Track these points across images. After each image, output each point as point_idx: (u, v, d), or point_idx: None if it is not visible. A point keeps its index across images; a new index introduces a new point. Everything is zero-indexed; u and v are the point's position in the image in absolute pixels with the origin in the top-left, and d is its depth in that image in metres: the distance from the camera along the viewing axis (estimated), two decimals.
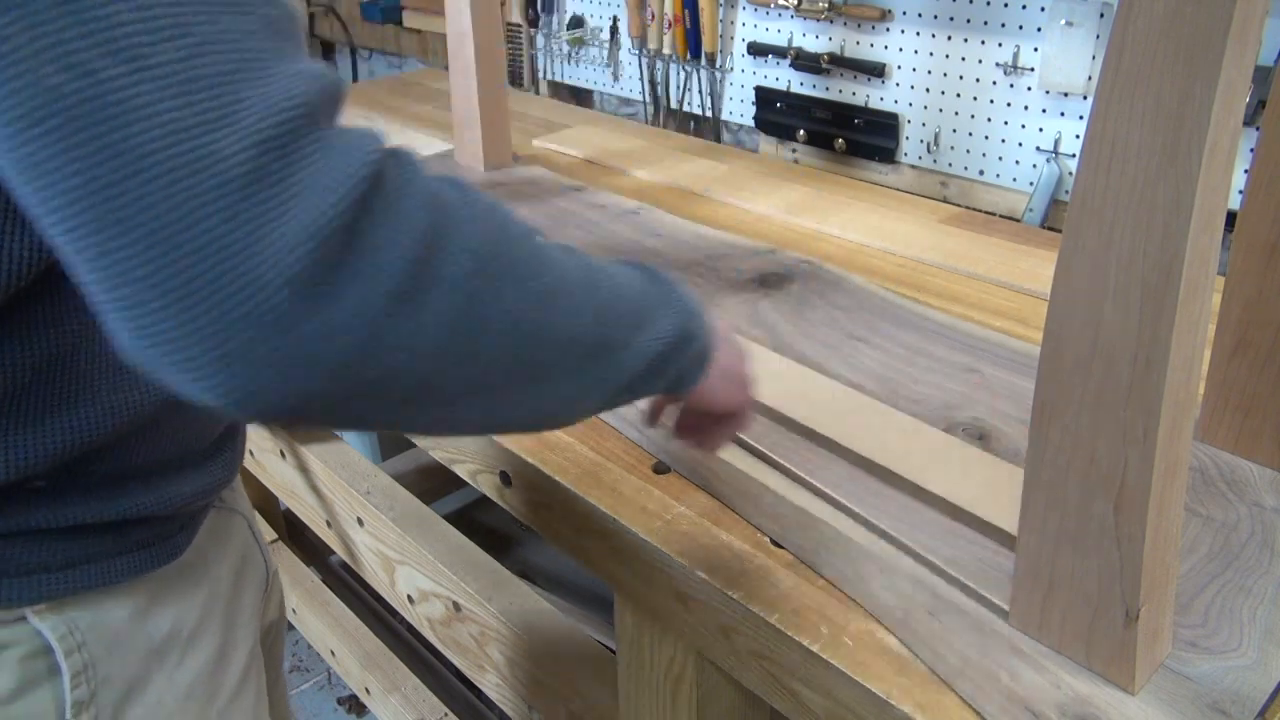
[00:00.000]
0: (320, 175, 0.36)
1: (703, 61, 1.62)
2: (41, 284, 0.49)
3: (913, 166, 1.43)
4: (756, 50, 1.55)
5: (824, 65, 1.46)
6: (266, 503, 1.66)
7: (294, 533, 1.74)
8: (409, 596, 1.21)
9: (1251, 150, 0.70)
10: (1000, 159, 1.33)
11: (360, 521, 1.25)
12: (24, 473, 0.52)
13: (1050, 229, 1.28)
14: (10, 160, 0.35)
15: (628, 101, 1.85)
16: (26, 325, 0.49)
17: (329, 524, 1.36)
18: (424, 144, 1.60)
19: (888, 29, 1.39)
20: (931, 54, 1.36)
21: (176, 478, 0.60)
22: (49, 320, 0.50)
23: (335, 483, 1.29)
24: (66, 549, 0.55)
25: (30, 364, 0.50)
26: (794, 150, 1.58)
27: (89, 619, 0.57)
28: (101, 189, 0.34)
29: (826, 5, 1.41)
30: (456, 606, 1.11)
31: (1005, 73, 1.28)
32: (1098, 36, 1.18)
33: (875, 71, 1.41)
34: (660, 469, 0.81)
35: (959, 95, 1.35)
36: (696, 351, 0.56)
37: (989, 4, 1.27)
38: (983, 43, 1.30)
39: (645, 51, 1.70)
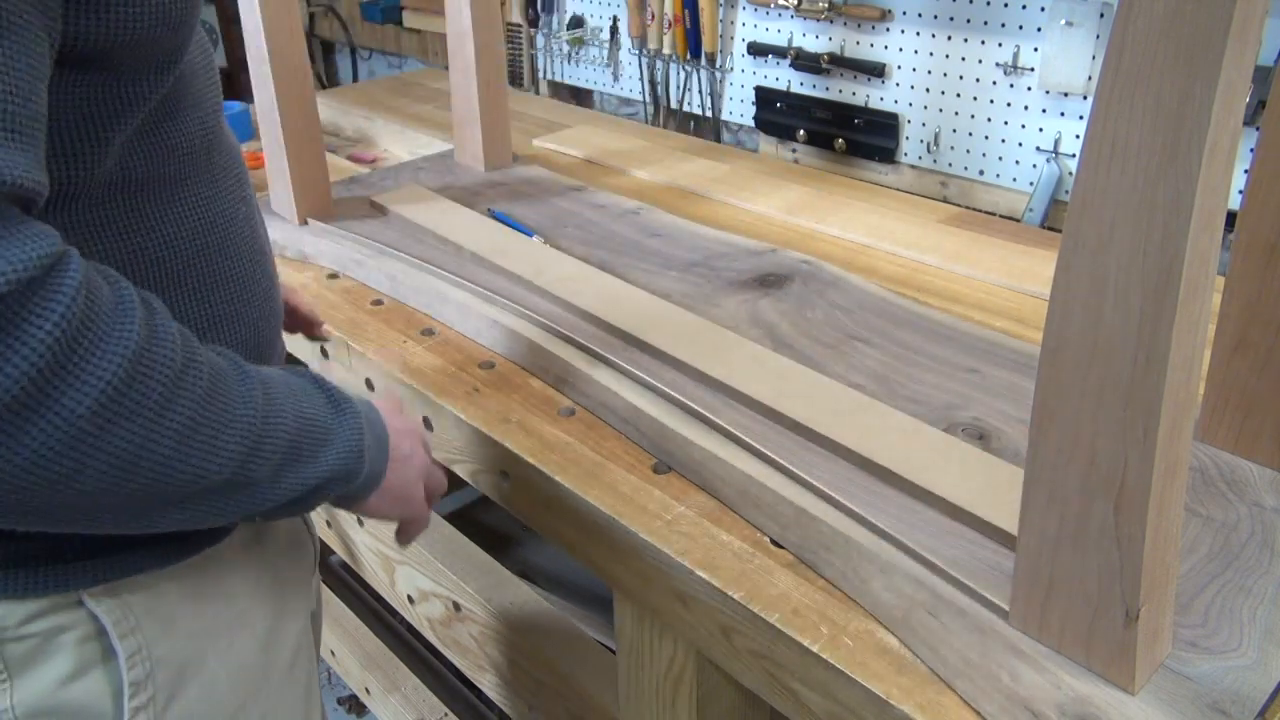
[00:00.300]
0: None
1: (703, 61, 1.62)
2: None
3: (913, 166, 1.43)
4: (756, 50, 1.55)
5: (824, 65, 1.46)
6: None
7: None
8: (409, 596, 1.21)
9: (1251, 150, 0.70)
10: (1000, 159, 1.33)
11: (360, 521, 1.25)
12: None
13: (1050, 229, 1.28)
14: None
15: (628, 101, 1.85)
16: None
17: (329, 524, 1.36)
18: (424, 144, 1.60)
19: (888, 29, 1.39)
20: (931, 54, 1.36)
21: None
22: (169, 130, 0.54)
23: None
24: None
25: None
26: (794, 150, 1.58)
27: (143, 601, 0.59)
28: None
29: (826, 5, 1.41)
30: (456, 606, 1.11)
31: (1005, 73, 1.28)
32: (1098, 36, 1.18)
33: (875, 71, 1.41)
34: (660, 469, 0.81)
35: (959, 95, 1.35)
36: (355, 488, 0.60)
37: (989, 4, 1.27)
38: (983, 43, 1.30)
39: (645, 51, 1.70)
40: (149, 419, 0.46)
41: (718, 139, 1.68)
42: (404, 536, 0.72)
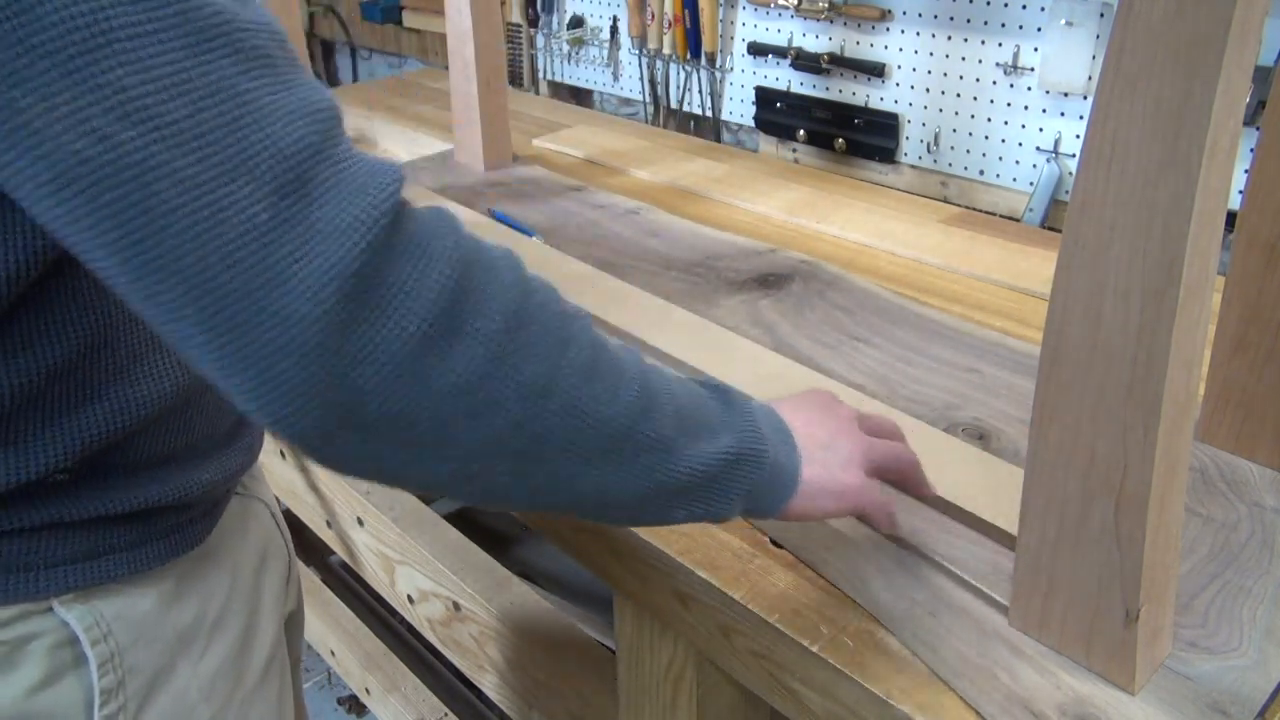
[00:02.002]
0: (338, 214, 0.39)
1: (703, 61, 1.62)
2: (54, 286, 0.50)
3: (913, 166, 1.44)
4: (756, 50, 1.55)
5: (824, 65, 1.46)
6: None
7: (294, 533, 1.73)
8: (409, 596, 1.21)
9: (1251, 150, 0.70)
10: (1000, 159, 1.33)
11: (360, 521, 1.25)
12: (49, 469, 0.53)
13: (1050, 229, 1.28)
14: (49, 219, 0.38)
15: (628, 101, 1.85)
16: (44, 327, 0.51)
17: (329, 524, 1.36)
18: (424, 144, 1.60)
19: (888, 29, 1.39)
20: (931, 54, 1.36)
21: (197, 464, 0.61)
22: (66, 321, 0.51)
23: (335, 483, 1.29)
24: (91, 540, 0.57)
25: (48, 365, 0.51)
26: (794, 150, 1.58)
27: (114, 608, 0.58)
28: (136, 243, 0.37)
29: (826, 5, 1.41)
30: (456, 606, 1.11)
31: (1005, 73, 1.28)
32: (1098, 36, 1.18)
33: (875, 71, 1.41)
34: None
35: (959, 95, 1.35)
36: (765, 476, 0.55)
37: (989, 4, 1.27)
38: (983, 43, 1.30)
39: (645, 51, 1.70)
40: (551, 347, 0.45)
41: (718, 139, 1.68)
42: (883, 527, 0.65)
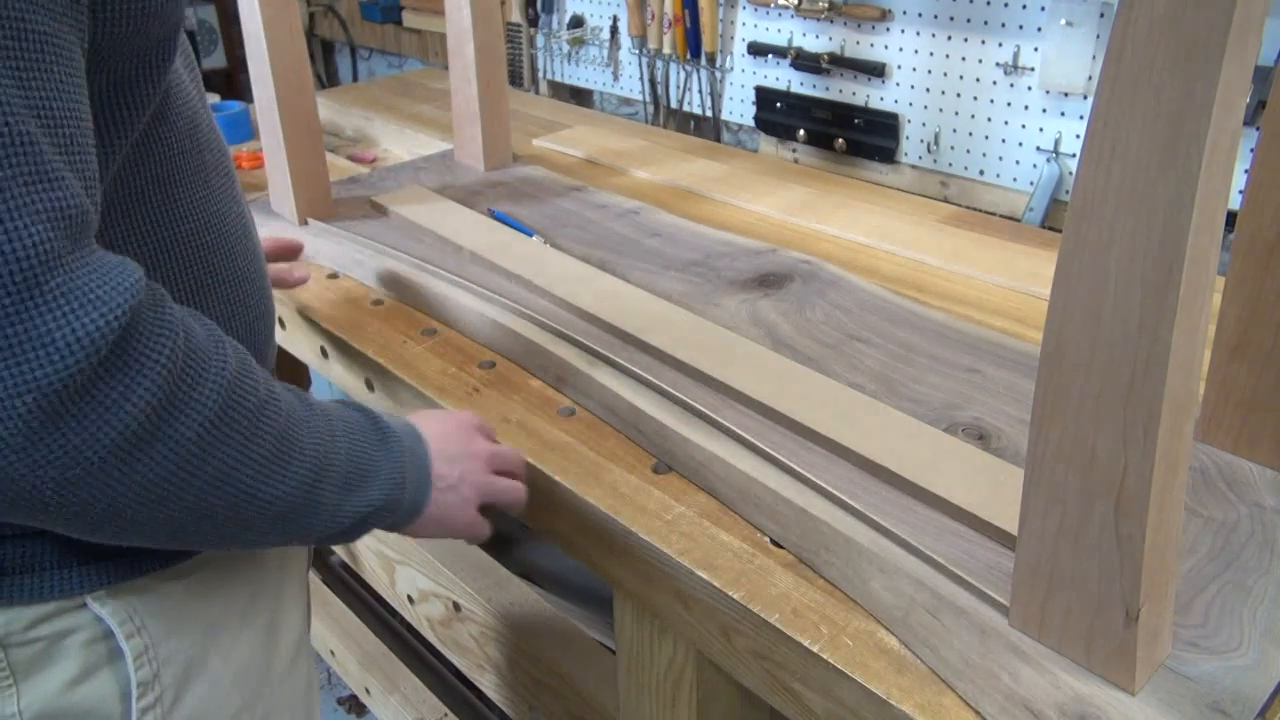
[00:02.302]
0: (61, 327, 0.40)
1: (703, 61, 1.62)
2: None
3: (913, 166, 1.44)
4: (756, 50, 1.55)
5: (824, 65, 1.46)
6: None
7: None
8: (409, 596, 1.21)
9: (1251, 150, 0.70)
10: (1000, 159, 1.33)
11: None
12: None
13: (1050, 229, 1.28)
14: None
15: (628, 101, 1.85)
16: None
17: None
18: (424, 144, 1.60)
19: (888, 29, 1.39)
20: (931, 54, 1.36)
21: None
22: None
23: None
24: None
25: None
26: (794, 150, 1.58)
27: (146, 602, 0.59)
28: None
29: (826, 5, 1.41)
30: (456, 606, 1.11)
31: (1005, 73, 1.28)
32: (1098, 36, 1.18)
33: (875, 71, 1.41)
34: (660, 469, 0.81)
35: (959, 95, 1.35)
36: (400, 515, 0.64)
37: (989, 4, 1.27)
38: (983, 43, 1.30)
39: (645, 51, 1.70)
40: (240, 444, 0.50)
41: (718, 139, 1.68)
42: (469, 540, 0.74)
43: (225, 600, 0.64)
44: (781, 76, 1.55)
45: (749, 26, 1.56)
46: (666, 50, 1.66)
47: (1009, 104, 1.30)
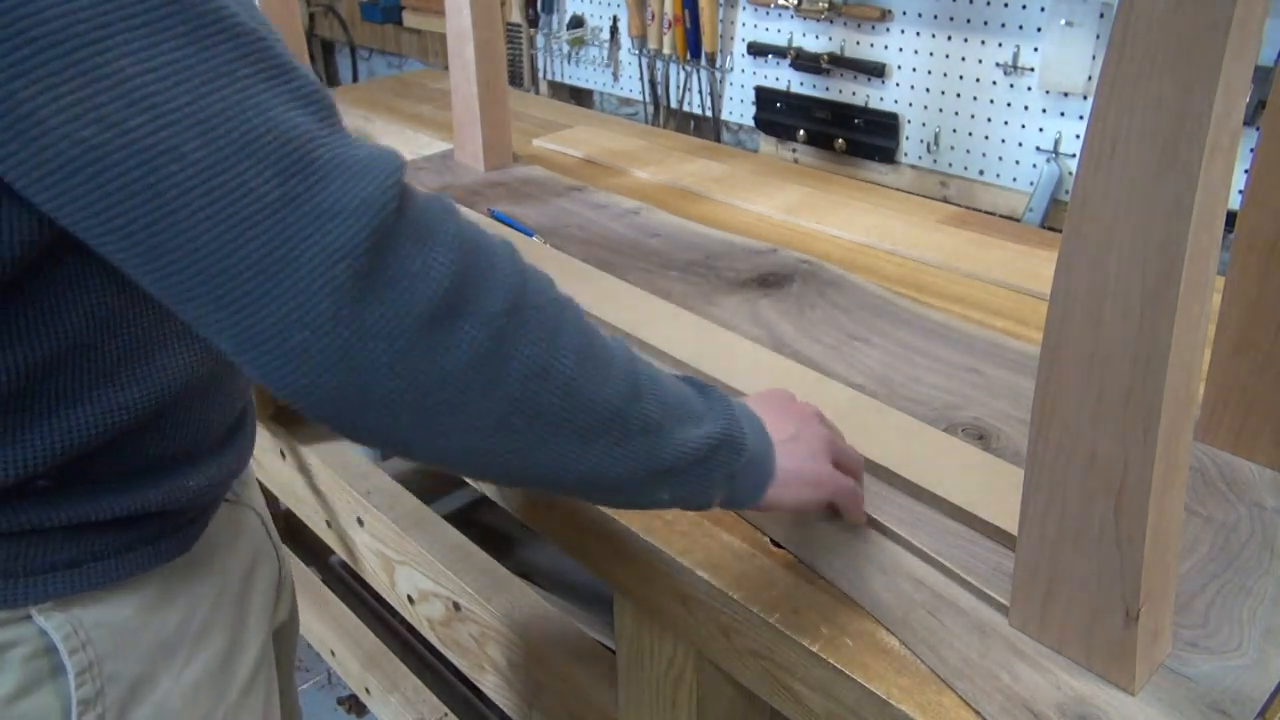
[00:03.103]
0: (345, 195, 0.40)
1: (703, 61, 1.62)
2: (38, 284, 0.49)
3: (913, 166, 1.43)
4: (756, 50, 1.55)
5: (824, 65, 1.46)
6: (266, 503, 1.66)
7: (294, 533, 1.74)
8: (409, 596, 1.21)
9: (1251, 150, 0.70)
10: (1000, 159, 1.33)
11: (360, 521, 1.25)
12: (27, 472, 0.52)
13: (1050, 229, 1.28)
14: (54, 206, 0.39)
15: (628, 101, 1.85)
16: (27, 323, 0.50)
17: (329, 524, 1.36)
18: (424, 144, 1.60)
19: (888, 29, 1.39)
20: (931, 54, 1.36)
21: (184, 471, 0.59)
22: (49, 318, 0.50)
23: (335, 483, 1.29)
24: (73, 547, 0.55)
25: (31, 363, 0.50)
26: (794, 150, 1.58)
27: (94, 616, 0.57)
28: (146, 226, 0.38)
29: (826, 5, 1.41)
30: (456, 606, 1.11)
31: (1005, 73, 1.28)
32: (1098, 36, 1.18)
33: (875, 71, 1.41)
34: None
35: (959, 95, 1.35)
36: (744, 464, 0.56)
37: (989, 4, 1.27)
38: (983, 43, 1.30)
39: (645, 51, 1.70)
40: (548, 331, 0.46)
41: (718, 139, 1.68)
42: (850, 518, 0.68)
43: (181, 618, 0.61)
44: (781, 76, 1.55)
45: (749, 26, 1.56)
46: (666, 50, 1.66)
47: (1009, 104, 1.30)
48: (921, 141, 1.41)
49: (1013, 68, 1.27)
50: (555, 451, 0.48)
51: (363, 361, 0.41)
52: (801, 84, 1.52)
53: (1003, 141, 1.32)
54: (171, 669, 0.61)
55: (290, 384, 0.41)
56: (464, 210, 0.47)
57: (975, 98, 1.33)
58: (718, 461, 0.55)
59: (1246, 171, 0.69)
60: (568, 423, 0.48)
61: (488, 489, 0.90)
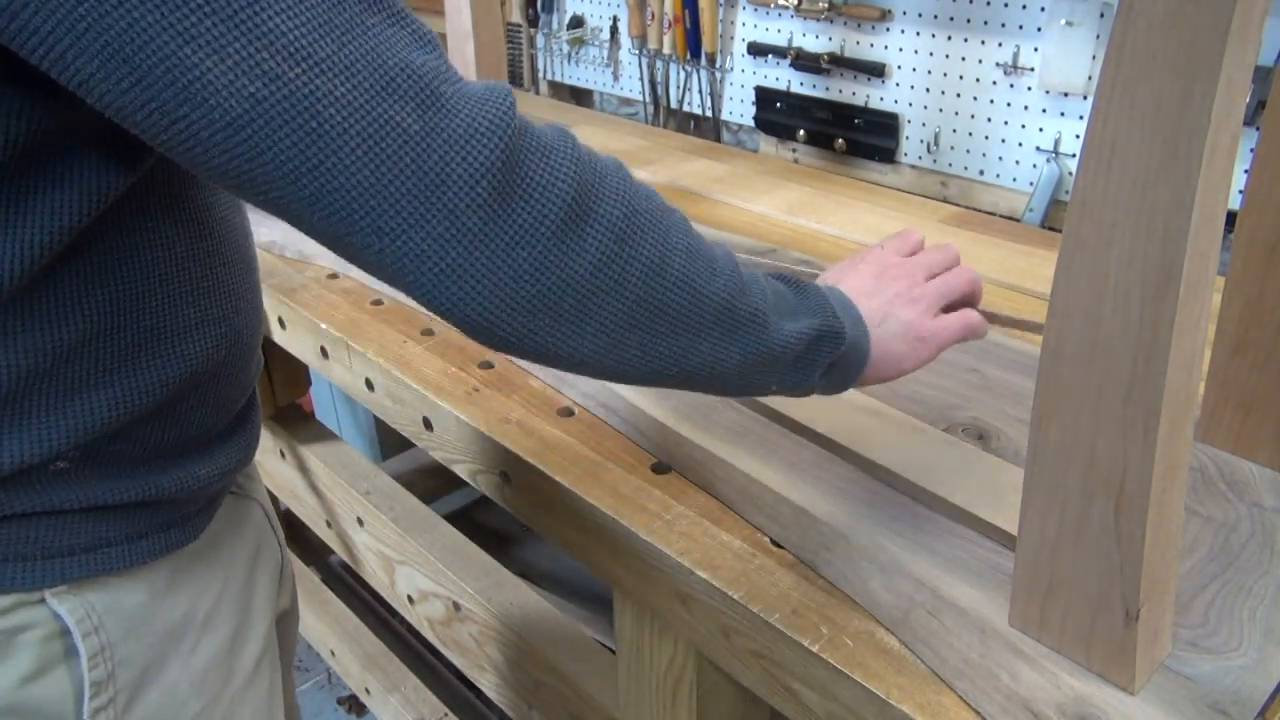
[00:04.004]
0: (473, 121, 0.44)
1: (703, 61, 1.62)
2: (66, 265, 0.52)
3: (913, 166, 1.44)
4: (756, 50, 1.55)
5: (824, 65, 1.46)
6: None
7: (294, 533, 1.74)
8: (409, 596, 1.21)
9: (1251, 150, 0.70)
10: (1000, 159, 1.33)
11: (360, 521, 1.26)
12: (49, 453, 0.53)
13: (1050, 229, 1.28)
14: (221, 162, 0.42)
15: (628, 101, 1.85)
16: (52, 308, 0.52)
17: (329, 524, 1.36)
18: None
19: (888, 29, 1.39)
20: (931, 54, 1.36)
21: (196, 458, 0.61)
22: (74, 303, 0.52)
23: (335, 483, 1.29)
24: (89, 532, 0.57)
25: (55, 346, 0.52)
26: (794, 150, 1.58)
27: (106, 601, 0.58)
28: (314, 167, 0.42)
29: (826, 5, 1.41)
30: (456, 606, 1.11)
31: (1005, 73, 1.29)
32: (1098, 36, 1.18)
33: (875, 71, 1.41)
34: (660, 469, 0.81)
35: (959, 95, 1.35)
36: (844, 351, 0.60)
37: (989, 4, 1.27)
38: (983, 43, 1.30)
39: (645, 51, 1.70)
40: (660, 232, 0.51)
41: (718, 139, 1.68)
42: (976, 337, 0.69)
43: (189, 605, 0.63)
44: (781, 76, 1.55)
45: (749, 26, 1.56)
46: (666, 50, 1.66)
47: (1009, 104, 1.30)
48: (921, 141, 1.41)
49: (1013, 68, 1.27)
50: (673, 344, 0.53)
51: (510, 270, 0.46)
52: (801, 84, 1.52)
53: (1003, 141, 1.32)
54: (180, 654, 0.63)
55: (450, 298, 0.46)
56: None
57: (975, 98, 1.33)
58: (820, 351, 0.59)
59: (1246, 171, 0.69)
60: (684, 316, 0.52)
61: (488, 488, 0.90)
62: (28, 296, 0.51)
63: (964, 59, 1.32)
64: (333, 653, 1.57)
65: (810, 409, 0.81)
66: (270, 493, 1.53)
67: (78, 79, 0.40)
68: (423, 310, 1.06)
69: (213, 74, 0.40)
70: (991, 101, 1.31)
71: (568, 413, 0.89)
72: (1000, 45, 1.28)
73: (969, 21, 1.30)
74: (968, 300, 0.68)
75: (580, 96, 1.95)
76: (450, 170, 0.44)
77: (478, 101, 0.45)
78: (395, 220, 0.44)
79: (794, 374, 0.59)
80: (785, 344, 0.57)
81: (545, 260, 0.47)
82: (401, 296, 1.09)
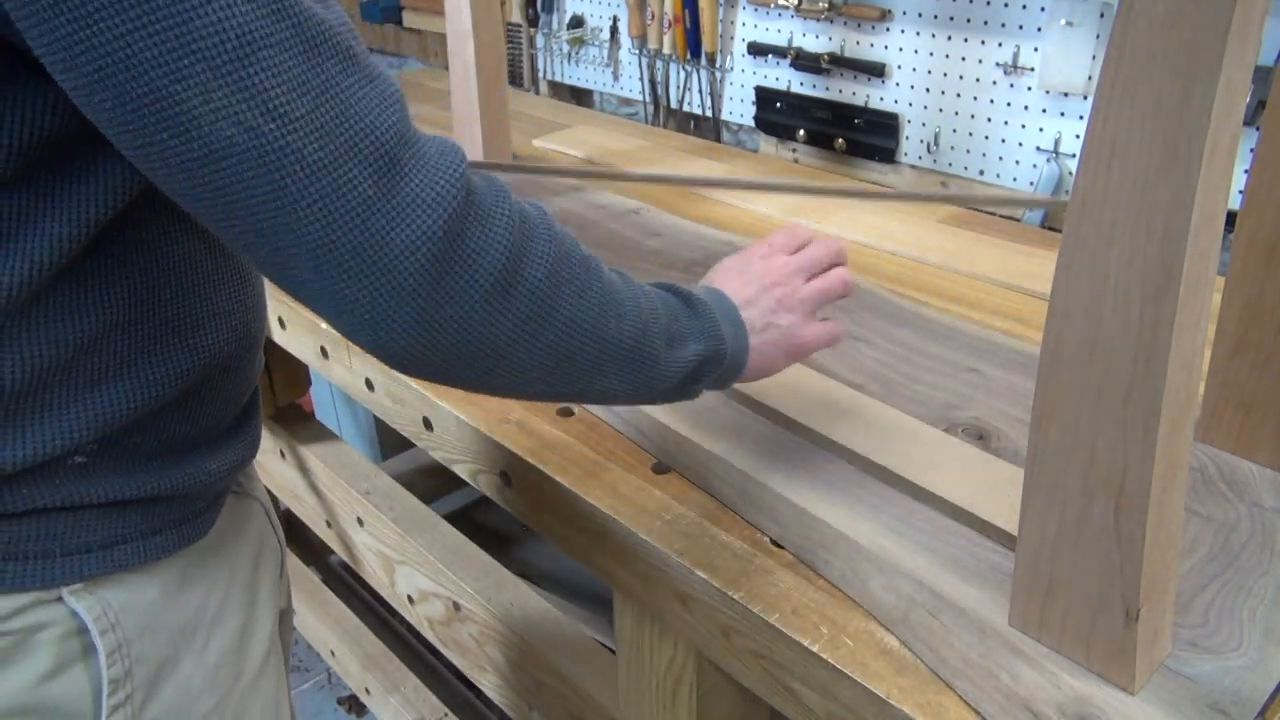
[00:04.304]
0: (425, 188, 0.48)
1: (703, 61, 1.62)
2: (88, 258, 0.53)
3: (913, 166, 1.44)
4: (756, 50, 1.55)
5: (824, 65, 1.46)
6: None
7: (294, 533, 1.74)
8: (409, 596, 1.21)
9: (1251, 150, 0.70)
10: (1000, 159, 1.33)
11: (360, 521, 1.26)
12: (69, 445, 0.55)
13: (1050, 229, 1.28)
14: (185, 190, 0.46)
15: (628, 101, 1.85)
16: (75, 301, 0.53)
17: (329, 524, 1.36)
18: None
19: (888, 29, 1.39)
20: (931, 54, 1.36)
21: (206, 452, 0.63)
22: (95, 296, 0.54)
23: (335, 483, 1.29)
24: (105, 528, 0.58)
25: (76, 338, 0.54)
26: (794, 150, 1.58)
27: (122, 598, 0.59)
28: (271, 214, 0.45)
29: (826, 5, 1.41)
30: (456, 606, 1.11)
31: (1005, 73, 1.28)
32: (1098, 36, 1.18)
33: (875, 71, 1.41)
34: (660, 469, 0.81)
35: (959, 95, 1.35)
36: (725, 367, 0.66)
37: (989, 4, 1.27)
38: (983, 43, 1.30)
39: (645, 51, 1.70)
40: (576, 287, 0.56)
41: (718, 139, 1.68)
42: (835, 346, 0.77)
43: (199, 603, 0.64)
44: (781, 76, 1.55)
45: (749, 26, 1.56)
46: (666, 50, 1.66)
47: (1009, 104, 1.30)
48: (921, 141, 1.41)
49: (1013, 68, 1.27)
50: (576, 383, 0.58)
51: (436, 323, 0.50)
52: (801, 84, 1.52)
53: (1003, 141, 1.32)
54: (192, 651, 0.64)
55: (375, 341, 0.50)
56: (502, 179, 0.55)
57: (975, 98, 1.33)
58: (703, 373, 0.65)
59: (1246, 171, 0.69)
60: (590, 361, 0.57)
61: (488, 488, 0.90)
62: (51, 289, 0.52)
63: (964, 59, 1.32)
64: (333, 653, 1.57)
65: (810, 410, 0.81)
66: (270, 492, 1.54)
67: (67, 87, 0.43)
68: None
69: (196, 112, 0.43)
70: (991, 101, 1.31)
71: (568, 413, 0.89)
72: (1000, 45, 1.28)
73: (969, 21, 1.30)
74: (841, 295, 0.75)
75: (580, 96, 1.95)
76: (396, 234, 0.47)
77: (431, 169, 0.48)
78: (335, 269, 0.47)
79: (678, 394, 0.65)
80: (675, 371, 0.62)
81: (471, 318, 0.51)
82: None
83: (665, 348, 0.62)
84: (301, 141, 0.44)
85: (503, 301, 0.51)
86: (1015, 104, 1.29)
